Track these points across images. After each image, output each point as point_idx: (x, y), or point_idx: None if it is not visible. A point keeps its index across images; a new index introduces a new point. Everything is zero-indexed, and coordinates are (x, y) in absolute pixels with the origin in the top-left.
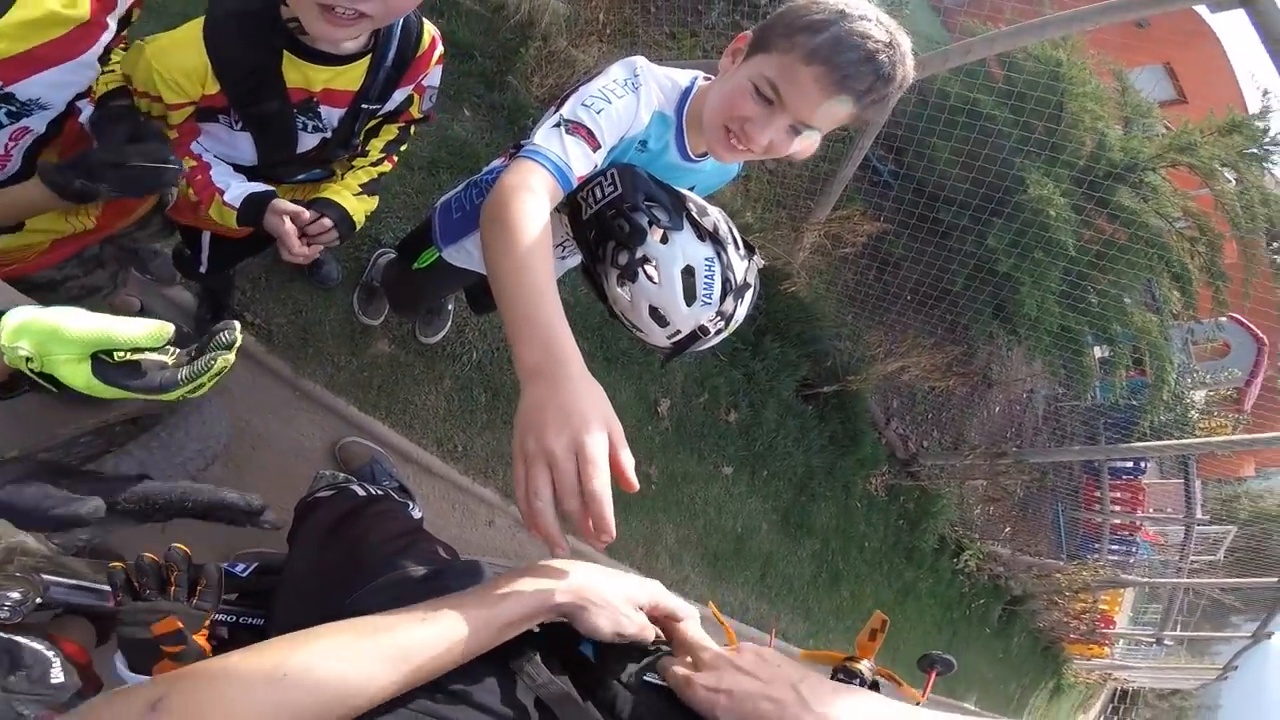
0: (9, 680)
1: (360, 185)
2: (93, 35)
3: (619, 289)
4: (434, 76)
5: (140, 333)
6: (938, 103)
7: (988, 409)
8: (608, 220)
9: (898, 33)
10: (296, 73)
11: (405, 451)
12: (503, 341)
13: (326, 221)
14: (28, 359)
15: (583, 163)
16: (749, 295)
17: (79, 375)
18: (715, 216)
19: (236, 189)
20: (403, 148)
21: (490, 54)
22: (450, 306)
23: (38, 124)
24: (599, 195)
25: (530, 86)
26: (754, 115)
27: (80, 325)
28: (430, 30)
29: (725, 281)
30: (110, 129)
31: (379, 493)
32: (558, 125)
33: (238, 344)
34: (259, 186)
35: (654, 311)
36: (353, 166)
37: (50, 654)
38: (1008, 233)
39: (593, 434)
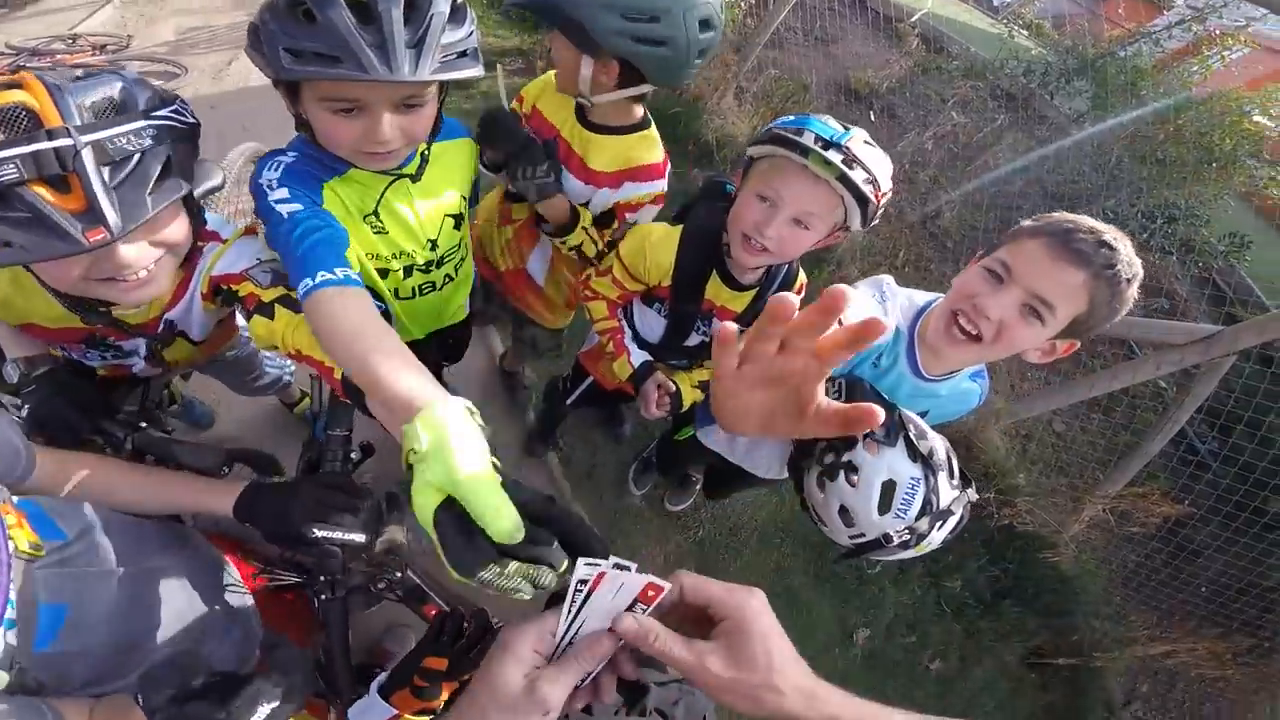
0: None
1: (699, 381)
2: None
3: (815, 484)
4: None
5: (502, 524)
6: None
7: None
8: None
9: (1120, 237)
10: (712, 288)
11: None
12: (726, 528)
13: (671, 386)
14: (413, 450)
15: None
16: (951, 522)
17: (425, 502)
18: (934, 442)
19: (637, 355)
20: None
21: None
22: (698, 486)
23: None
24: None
25: None
26: (983, 291)
27: (470, 467)
28: (802, 278)
29: (927, 503)
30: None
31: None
32: None
33: (559, 574)
34: (648, 357)
35: (843, 511)
36: (701, 364)
37: None
38: None
39: None
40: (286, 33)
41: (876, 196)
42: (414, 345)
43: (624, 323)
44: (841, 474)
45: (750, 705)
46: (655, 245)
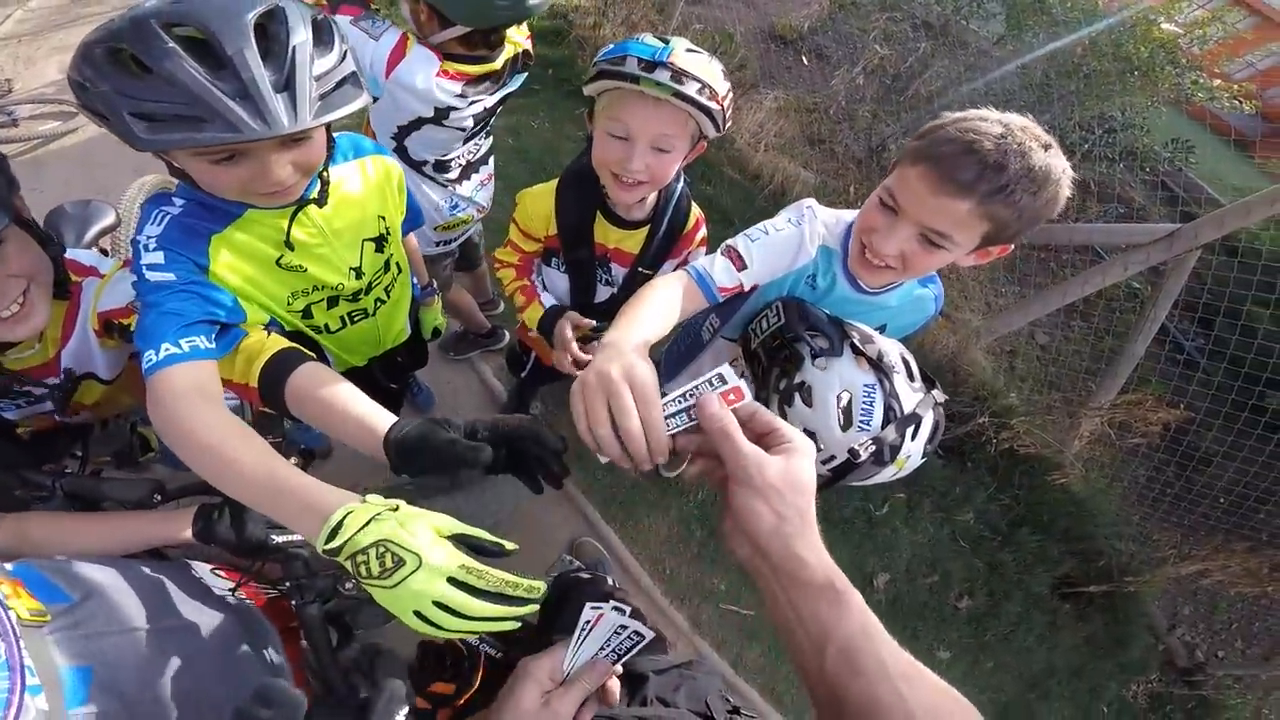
0: None
1: None
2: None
3: (777, 415)
4: (698, 255)
5: (496, 625)
6: (1248, 262)
7: None
8: (771, 349)
9: (1020, 129)
10: (600, 231)
11: (625, 561)
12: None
13: (590, 321)
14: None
15: (725, 276)
16: (925, 428)
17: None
18: (883, 345)
19: (546, 299)
20: None
21: (747, 220)
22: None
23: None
24: (765, 326)
25: None
26: (878, 226)
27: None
28: (697, 213)
29: (889, 410)
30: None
31: (619, 587)
32: (717, 252)
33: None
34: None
35: (808, 435)
36: None
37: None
38: None
39: (640, 366)
40: (125, 93)
41: (717, 101)
42: (356, 372)
43: (535, 281)
44: (797, 397)
45: (771, 518)
46: (535, 197)
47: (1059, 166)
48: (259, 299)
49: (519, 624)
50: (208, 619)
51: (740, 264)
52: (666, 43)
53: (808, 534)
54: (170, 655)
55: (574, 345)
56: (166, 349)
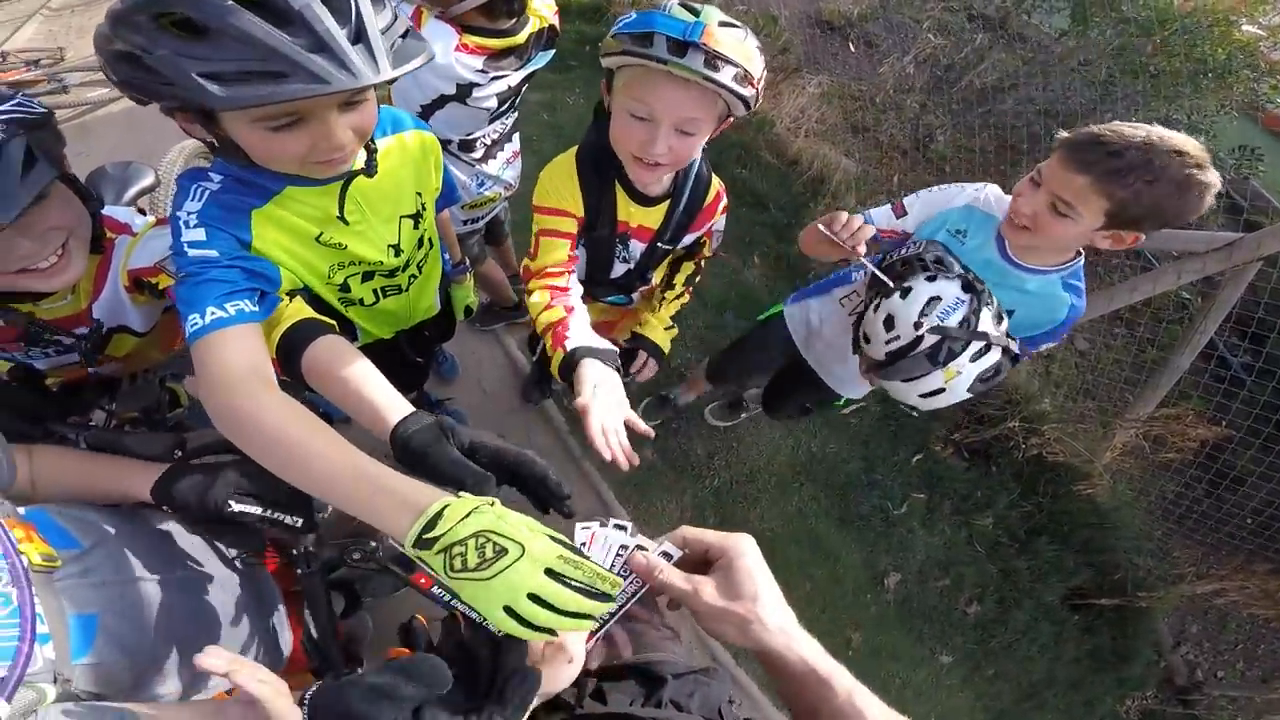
0: None
1: (670, 318)
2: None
3: (873, 308)
4: (719, 223)
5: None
6: None
7: None
8: (898, 269)
9: (1163, 139)
10: (622, 208)
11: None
12: (743, 474)
13: (653, 364)
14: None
15: (884, 220)
16: (986, 360)
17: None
18: (997, 305)
19: (573, 339)
20: (697, 279)
21: (782, 206)
22: (745, 414)
23: None
24: (902, 252)
25: None
26: (1023, 192)
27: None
28: (717, 184)
29: (965, 320)
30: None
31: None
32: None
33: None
34: (585, 342)
35: (888, 320)
36: (663, 298)
37: None
38: None
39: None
40: (188, 55)
41: (752, 85)
42: (382, 345)
43: (575, 304)
44: (897, 294)
45: (736, 633)
46: (558, 170)
47: (1194, 172)
48: (300, 273)
49: (597, 622)
50: (215, 575)
51: (901, 212)
52: (697, 14)
53: (774, 634)
54: (175, 607)
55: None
56: (213, 313)
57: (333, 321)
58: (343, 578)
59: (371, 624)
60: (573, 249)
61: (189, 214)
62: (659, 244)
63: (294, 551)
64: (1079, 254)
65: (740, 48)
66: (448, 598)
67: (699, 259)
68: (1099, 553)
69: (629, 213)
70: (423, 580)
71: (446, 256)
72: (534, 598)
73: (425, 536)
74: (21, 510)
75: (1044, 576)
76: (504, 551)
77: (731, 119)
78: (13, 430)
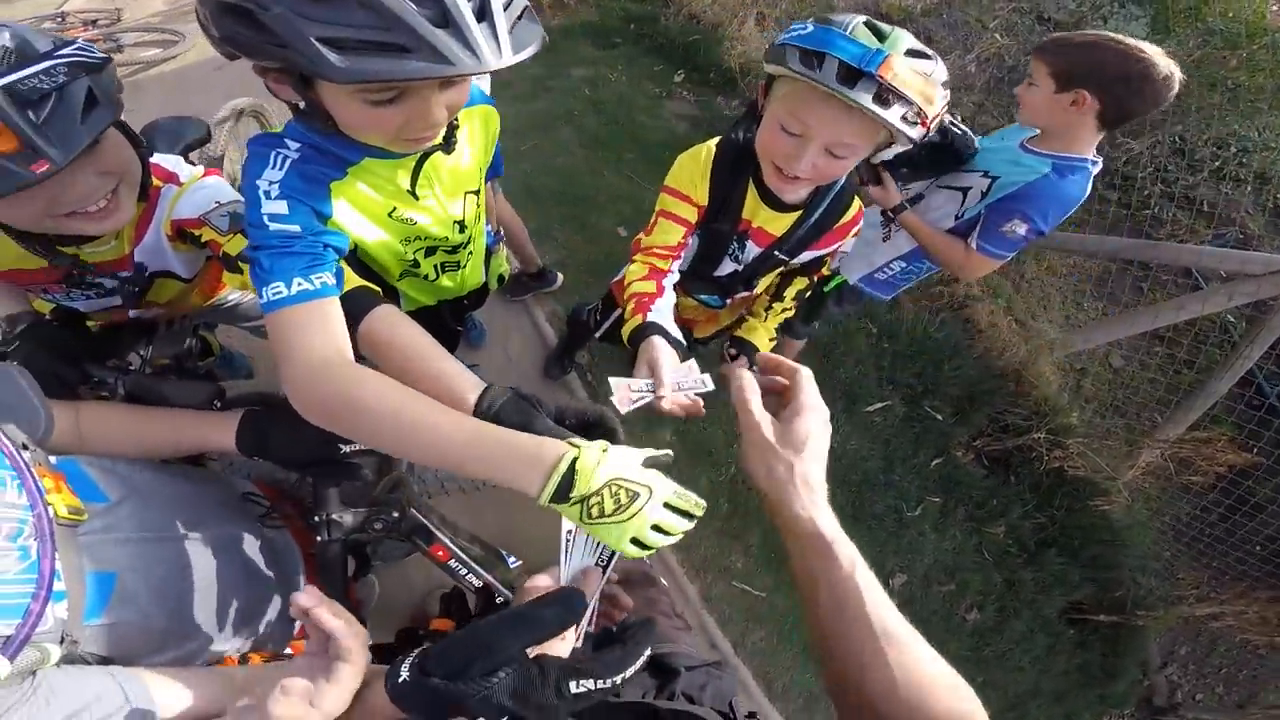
0: None
1: (775, 328)
2: None
3: None
4: (848, 244)
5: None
6: None
7: None
8: None
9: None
10: (750, 206)
11: None
12: None
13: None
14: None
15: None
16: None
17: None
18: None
19: (654, 314)
20: (808, 295)
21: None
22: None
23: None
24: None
25: None
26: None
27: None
28: (857, 206)
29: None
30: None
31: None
32: None
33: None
34: (664, 321)
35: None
36: (770, 308)
37: None
38: None
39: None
40: (308, 16)
41: (923, 124)
42: (424, 313)
43: (668, 286)
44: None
45: (764, 472)
46: (692, 160)
47: (1133, 48)
48: (374, 248)
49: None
50: (239, 537)
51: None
52: (884, 38)
53: (799, 487)
54: (196, 568)
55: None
56: (299, 284)
57: (378, 290)
58: (356, 542)
59: (378, 589)
60: (686, 236)
61: (270, 183)
62: (776, 252)
63: (316, 518)
64: (1094, 161)
65: (921, 83)
66: (463, 571)
67: (816, 276)
68: (1105, 569)
69: (755, 213)
70: (440, 553)
71: (488, 228)
72: (655, 528)
73: (572, 494)
74: (53, 459)
75: (1047, 589)
76: (636, 496)
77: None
78: (50, 371)
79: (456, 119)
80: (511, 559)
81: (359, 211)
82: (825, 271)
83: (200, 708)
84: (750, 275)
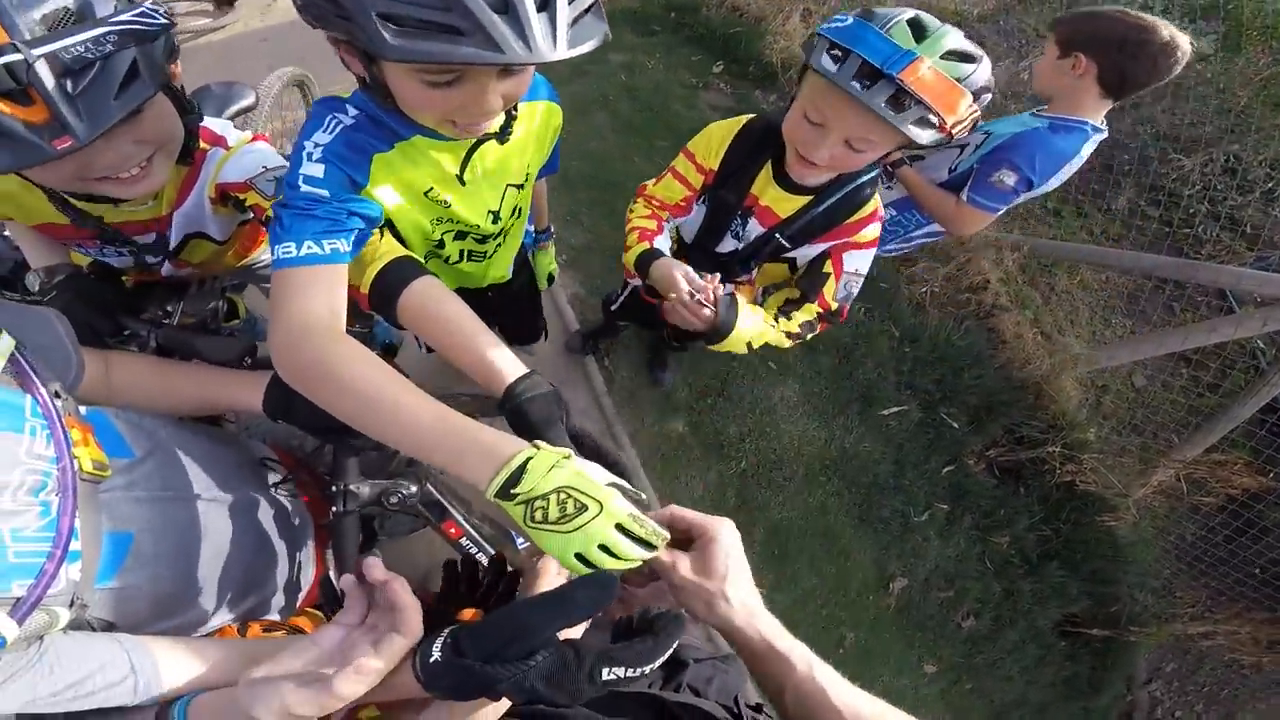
0: None
1: (768, 323)
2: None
3: None
4: (853, 262)
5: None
6: None
7: None
8: None
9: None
10: (760, 182)
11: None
12: (770, 460)
13: (721, 290)
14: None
15: None
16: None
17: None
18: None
19: (659, 246)
20: (808, 336)
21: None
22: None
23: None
24: None
25: None
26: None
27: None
28: (874, 205)
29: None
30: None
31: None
32: None
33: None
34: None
35: None
36: (776, 321)
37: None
38: None
39: None
40: None
41: (943, 129)
42: None
43: (664, 230)
44: None
45: (704, 609)
46: (720, 126)
47: (1135, 19)
48: (402, 222)
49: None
50: (256, 502)
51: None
52: (925, 37)
53: (735, 606)
54: (210, 532)
55: (683, 291)
56: (309, 247)
57: (422, 261)
58: (364, 514)
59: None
60: (688, 200)
61: (315, 145)
62: (778, 235)
63: (333, 488)
64: (1096, 127)
65: (946, 90)
66: (474, 550)
67: (822, 306)
68: (1104, 584)
69: (764, 190)
70: (452, 530)
71: (530, 227)
72: (602, 547)
73: (514, 491)
74: (83, 410)
75: (1044, 600)
76: (584, 508)
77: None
78: (86, 323)
79: (515, 110)
80: (520, 540)
81: (397, 184)
82: (829, 299)
83: (208, 678)
84: (749, 256)
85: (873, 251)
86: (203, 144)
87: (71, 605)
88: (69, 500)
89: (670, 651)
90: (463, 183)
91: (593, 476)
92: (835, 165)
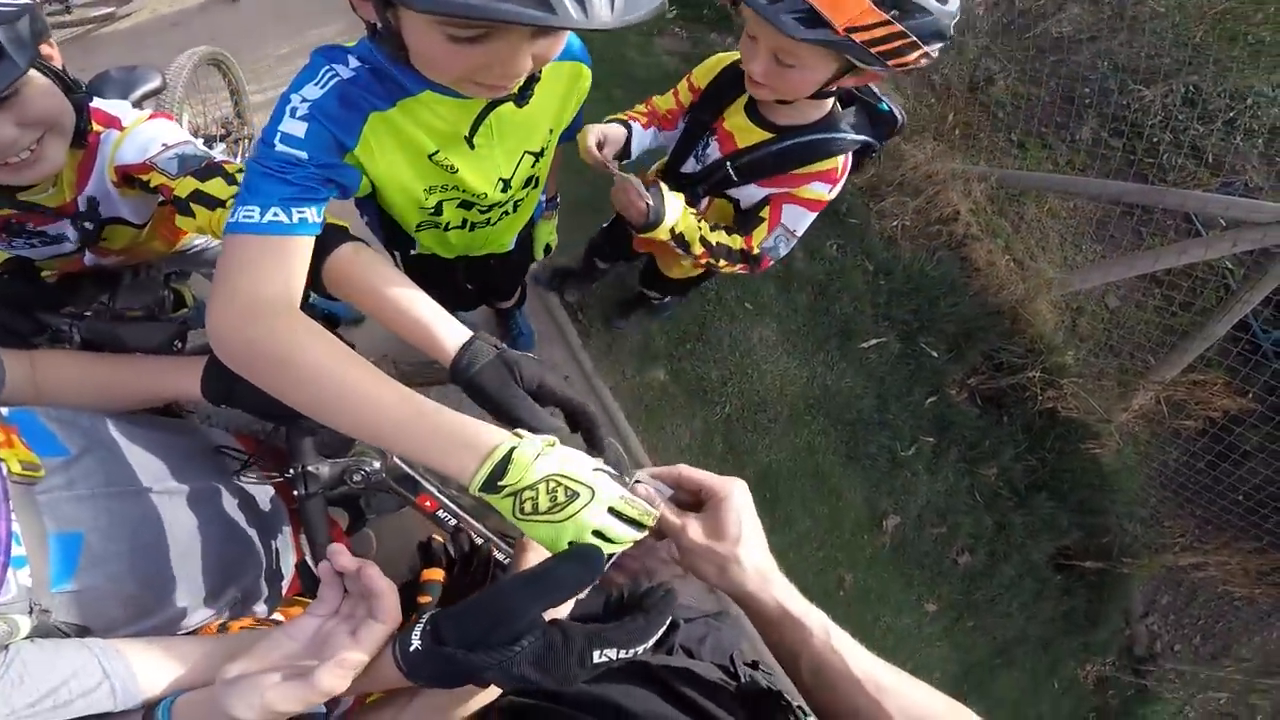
0: None
1: (709, 233)
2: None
3: None
4: (792, 218)
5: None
6: None
7: None
8: None
9: None
10: (730, 110)
11: (642, 464)
12: (754, 403)
13: (639, 204)
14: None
15: None
16: None
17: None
18: None
19: (635, 132)
20: (720, 261)
21: None
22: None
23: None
24: None
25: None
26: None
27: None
28: (836, 163)
29: None
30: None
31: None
32: None
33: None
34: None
35: None
36: (724, 229)
37: None
38: None
39: None
40: None
41: (827, 27)
42: (436, 263)
43: (647, 121)
44: None
45: (715, 573)
46: (718, 58)
47: None
48: (390, 188)
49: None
50: (217, 491)
51: None
52: None
53: (748, 570)
54: (171, 525)
55: (594, 150)
56: (275, 214)
57: (346, 224)
58: (347, 494)
59: (375, 542)
60: (673, 115)
61: (303, 100)
62: (728, 164)
63: (291, 470)
64: None
65: (864, 9)
66: (453, 522)
67: (746, 244)
68: (1093, 514)
69: (730, 118)
70: (428, 503)
71: (542, 196)
72: (595, 533)
73: (500, 484)
74: (4, 411)
75: (1036, 534)
76: (575, 495)
77: (875, 71)
78: (3, 324)
79: (539, 71)
80: None
81: (394, 145)
82: (760, 239)
83: (185, 678)
84: (699, 180)
85: (813, 215)
86: (96, 126)
87: (31, 612)
88: (2, 505)
89: (663, 629)
90: (472, 146)
91: (580, 462)
92: (774, 84)
